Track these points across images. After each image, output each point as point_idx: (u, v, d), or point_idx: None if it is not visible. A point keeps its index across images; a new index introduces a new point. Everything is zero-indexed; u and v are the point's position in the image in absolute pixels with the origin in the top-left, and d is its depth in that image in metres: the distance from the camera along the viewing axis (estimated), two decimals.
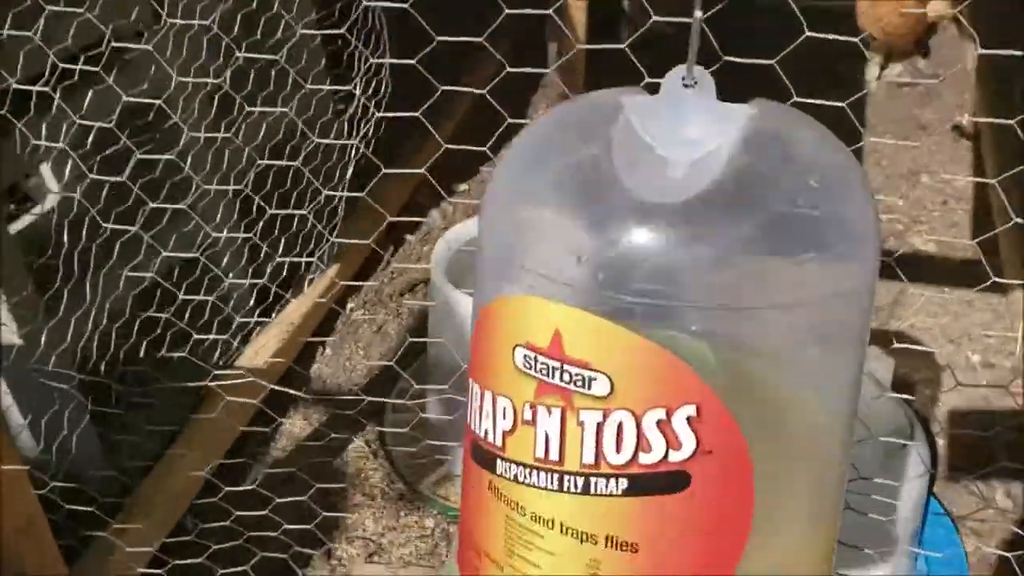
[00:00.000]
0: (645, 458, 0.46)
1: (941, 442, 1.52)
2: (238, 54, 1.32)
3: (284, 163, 1.47)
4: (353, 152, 1.81)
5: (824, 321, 0.47)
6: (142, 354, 1.45)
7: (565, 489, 0.48)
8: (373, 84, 1.76)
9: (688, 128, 0.47)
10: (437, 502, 1.45)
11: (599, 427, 0.46)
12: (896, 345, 1.27)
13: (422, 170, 1.19)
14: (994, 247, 1.88)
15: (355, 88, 1.78)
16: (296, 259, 1.66)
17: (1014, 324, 1.71)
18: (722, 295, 0.45)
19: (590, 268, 0.45)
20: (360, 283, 1.87)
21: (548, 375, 0.47)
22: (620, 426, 0.46)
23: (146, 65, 1.40)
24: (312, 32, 1.83)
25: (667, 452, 0.46)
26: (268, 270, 1.63)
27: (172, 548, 1.32)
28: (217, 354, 1.57)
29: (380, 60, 1.74)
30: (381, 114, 1.67)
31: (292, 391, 1.60)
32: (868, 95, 2.55)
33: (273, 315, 1.69)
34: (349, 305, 1.85)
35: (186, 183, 1.51)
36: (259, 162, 1.55)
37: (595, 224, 0.46)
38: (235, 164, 1.62)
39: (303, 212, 1.39)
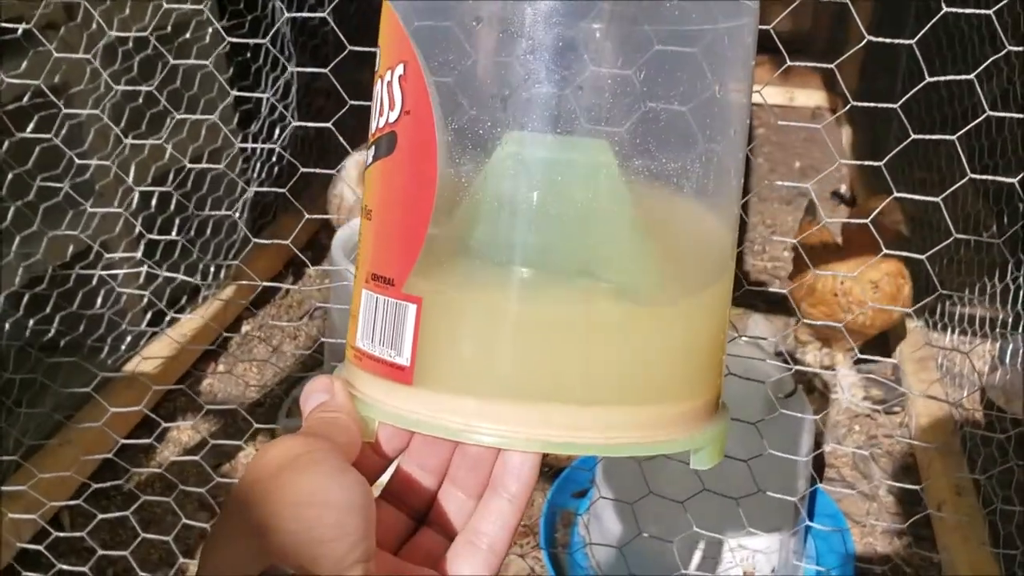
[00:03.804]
0: (380, 120, 0.48)
1: (827, 448, 1.56)
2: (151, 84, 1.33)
3: (196, 166, 1.47)
4: (254, 179, 1.82)
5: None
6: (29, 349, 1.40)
7: (370, 163, 0.50)
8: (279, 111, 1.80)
9: None
10: None
11: (388, 87, 0.48)
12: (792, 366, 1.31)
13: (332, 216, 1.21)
14: None
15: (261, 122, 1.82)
16: (192, 276, 1.65)
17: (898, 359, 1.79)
18: None
19: None
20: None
21: None
22: (389, 86, 0.48)
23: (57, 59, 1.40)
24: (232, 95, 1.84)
25: (387, 114, 0.48)
26: (162, 281, 1.61)
27: (46, 541, 1.26)
28: (104, 357, 1.53)
29: (294, 122, 1.78)
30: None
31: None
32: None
33: (164, 327, 1.66)
34: (245, 327, 1.83)
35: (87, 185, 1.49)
36: (174, 168, 1.55)
37: None
38: (140, 179, 1.61)
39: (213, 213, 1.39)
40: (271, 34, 1.45)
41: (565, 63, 0.47)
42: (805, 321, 1.65)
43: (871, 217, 1.36)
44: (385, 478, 0.51)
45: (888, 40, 0.74)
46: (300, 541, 0.38)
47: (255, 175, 1.78)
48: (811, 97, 3.11)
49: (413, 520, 0.50)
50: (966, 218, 1.74)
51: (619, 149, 0.48)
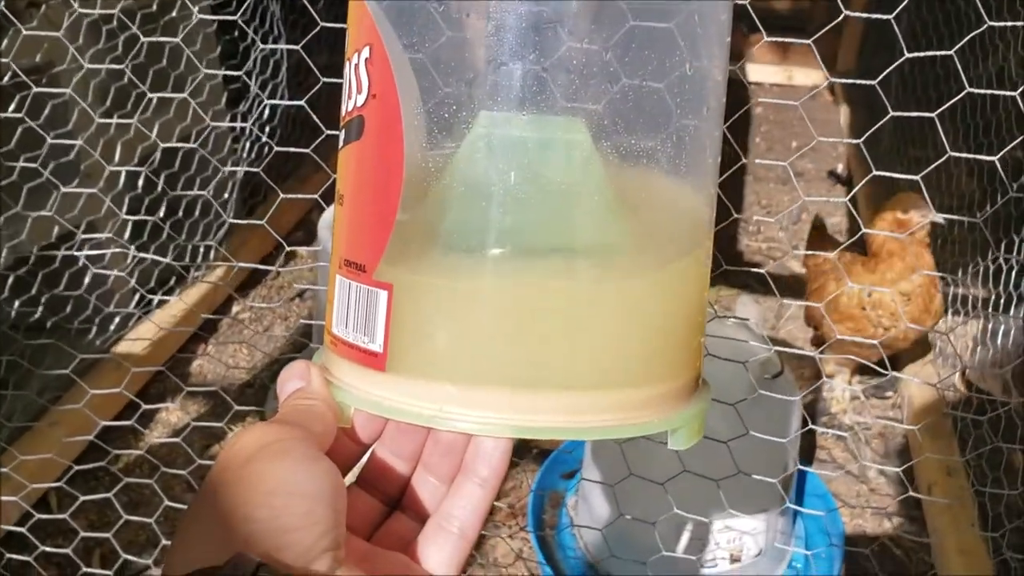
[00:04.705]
0: (349, 104, 0.47)
1: (820, 429, 1.55)
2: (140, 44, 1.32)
3: (184, 145, 1.45)
4: (244, 158, 1.81)
5: None
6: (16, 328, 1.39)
7: (341, 147, 0.49)
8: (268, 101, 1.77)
9: None
10: None
11: (356, 70, 0.47)
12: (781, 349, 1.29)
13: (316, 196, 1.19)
14: None
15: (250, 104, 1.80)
16: (184, 257, 1.64)
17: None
18: None
19: None
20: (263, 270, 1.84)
21: None
22: (356, 69, 0.47)
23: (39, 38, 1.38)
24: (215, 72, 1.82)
25: (355, 97, 0.47)
26: (150, 262, 1.60)
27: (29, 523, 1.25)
28: (92, 338, 1.52)
29: (274, 102, 1.76)
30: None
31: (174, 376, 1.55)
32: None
33: (154, 308, 1.65)
34: (235, 308, 1.82)
35: (73, 165, 1.48)
36: (159, 146, 1.53)
37: None
38: (127, 158, 1.59)
39: (200, 192, 1.37)
40: (246, 8, 1.43)
41: (536, 40, 0.46)
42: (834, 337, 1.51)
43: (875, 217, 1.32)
44: (363, 462, 0.50)
45: (864, 15, 0.72)
46: (267, 529, 0.38)
47: (244, 154, 1.77)
48: (809, 76, 3.09)
49: (387, 506, 0.49)
50: (960, 198, 1.73)
51: (593, 126, 0.47)
